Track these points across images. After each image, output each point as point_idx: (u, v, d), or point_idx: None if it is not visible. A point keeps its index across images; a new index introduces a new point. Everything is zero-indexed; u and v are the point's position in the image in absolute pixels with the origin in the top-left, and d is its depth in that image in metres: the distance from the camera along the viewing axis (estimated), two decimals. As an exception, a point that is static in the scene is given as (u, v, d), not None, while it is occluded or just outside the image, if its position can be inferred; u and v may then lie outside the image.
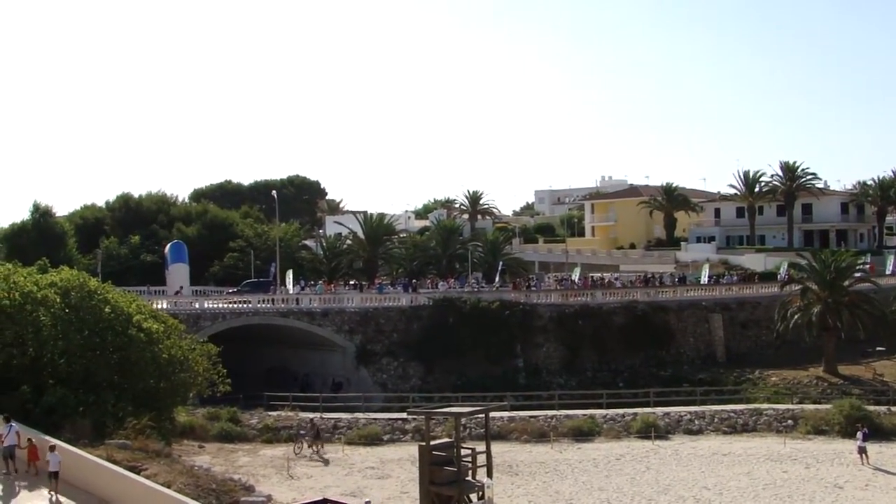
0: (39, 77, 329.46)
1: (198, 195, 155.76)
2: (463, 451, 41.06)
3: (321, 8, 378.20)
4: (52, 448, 29.37)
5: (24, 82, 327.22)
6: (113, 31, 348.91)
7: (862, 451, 51.89)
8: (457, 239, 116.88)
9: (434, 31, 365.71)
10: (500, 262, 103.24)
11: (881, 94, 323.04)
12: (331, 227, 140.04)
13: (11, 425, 31.07)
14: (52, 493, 28.27)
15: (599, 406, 63.53)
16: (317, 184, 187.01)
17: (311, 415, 59.63)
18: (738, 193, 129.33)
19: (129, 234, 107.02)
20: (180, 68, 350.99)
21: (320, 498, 38.19)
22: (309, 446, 53.59)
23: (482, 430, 45.83)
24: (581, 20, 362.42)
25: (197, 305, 75.77)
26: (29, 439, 30.98)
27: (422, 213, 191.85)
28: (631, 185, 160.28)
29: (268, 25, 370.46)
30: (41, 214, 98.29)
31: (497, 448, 46.80)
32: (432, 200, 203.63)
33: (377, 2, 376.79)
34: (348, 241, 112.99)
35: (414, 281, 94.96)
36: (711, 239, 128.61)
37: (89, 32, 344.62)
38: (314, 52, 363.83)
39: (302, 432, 55.05)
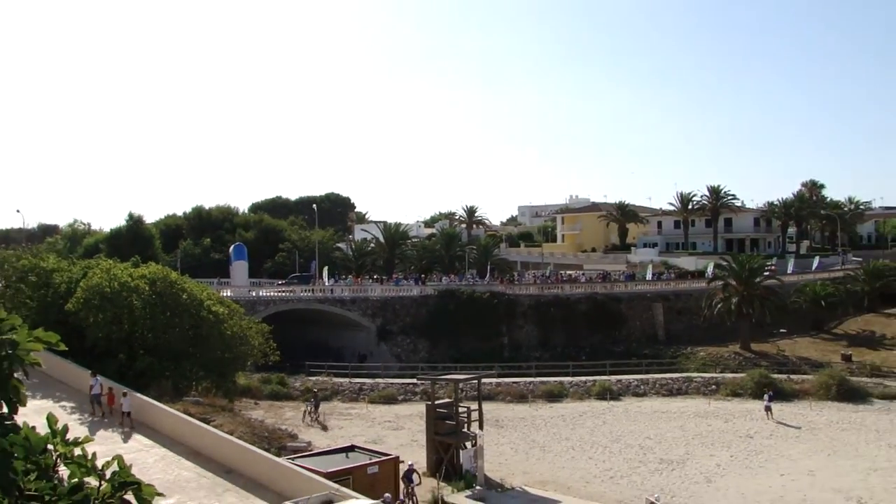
0: (131, 111, 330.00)
1: (255, 207, 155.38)
2: (460, 409, 41.33)
3: (346, 62, 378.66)
4: (125, 394, 30.67)
5: (120, 115, 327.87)
6: (191, 71, 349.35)
7: (768, 409, 52.26)
8: (456, 243, 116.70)
9: (439, 76, 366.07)
10: (490, 262, 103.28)
11: (789, 131, 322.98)
12: (358, 234, 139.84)
13: (97, 378, 31.66)
14: (126, 427, 29.53)
15: (567, 374, 63.58)
16: (348, 199, 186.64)
17: (321, 380, 60.22)
18: (676, 209, 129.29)
19: (202, 237, 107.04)
20: (245, 106, 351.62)
21: (349, 444, 38.40)
22: (310, 414, 51.71)
23: (475, 393, 45.86)
24: (550, 68, 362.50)
25: (253, 294, 76.02)
26: (109, 388, 31.77)
27: (429, 223, 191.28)
28: (593, 202, 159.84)
29: (311, 71, 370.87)
30: (134, 222, 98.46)
31: (487, 406, 46.86)
32: (438, 213, 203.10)
33: (388, 51, 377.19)
34: (372, 245, 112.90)
35: (423, 276, 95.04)
36: (655, 245, 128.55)
37: (173, 70, 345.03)
38: (350, 97, 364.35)
39: (308, 402, 53.09)
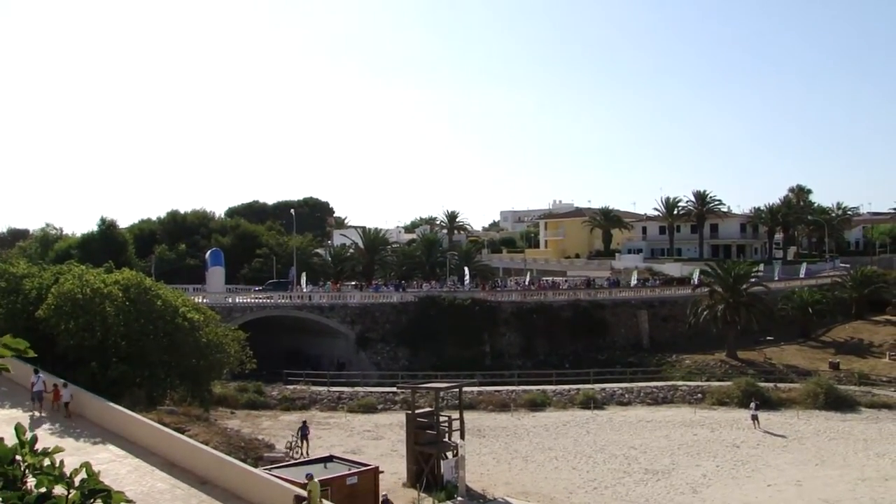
0: (103, 114, 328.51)
1: (231, 212, 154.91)
2: (441, 418, 41.30)
3: (325, 65, 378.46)
4: (65, 385, 32.16)
5: (92, 119, 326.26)
6: (166, 73, 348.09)
7: (754, 418, 52.50)
8: (437, 249, 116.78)
9: (419, 80, 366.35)
10: (472, 268, 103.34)
11: (776, 136, 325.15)
12: (337, 239, 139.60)
13: (39, 375, 32.28)
14: (65, 417, 31.34)
15: (550, 383, 63.66)
16: (326, 204, 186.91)
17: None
18: (661, 215, 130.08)
19: (177, 242, 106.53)
20: (218, 110, 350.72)
21: (328, 454, 38.26)
22: (295, 447, 44.98)
23: (457, 402, 45.86)
24: (537, 72, 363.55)
25: (230, 300, 75.63)
26: (54, 385, 32.57)
27: (410, 228, 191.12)
28: (576, 207, 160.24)
29: (289, 73, 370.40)
30: (107, 226, 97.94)
31: (468, 416, 46.93)
32: (418, 218, 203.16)
33: (373, 67, 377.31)
34: (351, 251, 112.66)
35: (403, 282, 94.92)
36: (639, 251, 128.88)
37: (148, 71, 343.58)
38: (327, 101, 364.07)
39: (292, 436, 46.36)
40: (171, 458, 26.41)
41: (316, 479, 21.75)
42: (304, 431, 45.83)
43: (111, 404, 31.13)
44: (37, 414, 31.81)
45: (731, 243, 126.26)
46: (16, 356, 5.53)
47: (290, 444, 45.42)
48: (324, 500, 21.28)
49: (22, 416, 30.79)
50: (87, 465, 5.14)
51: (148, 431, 28.63)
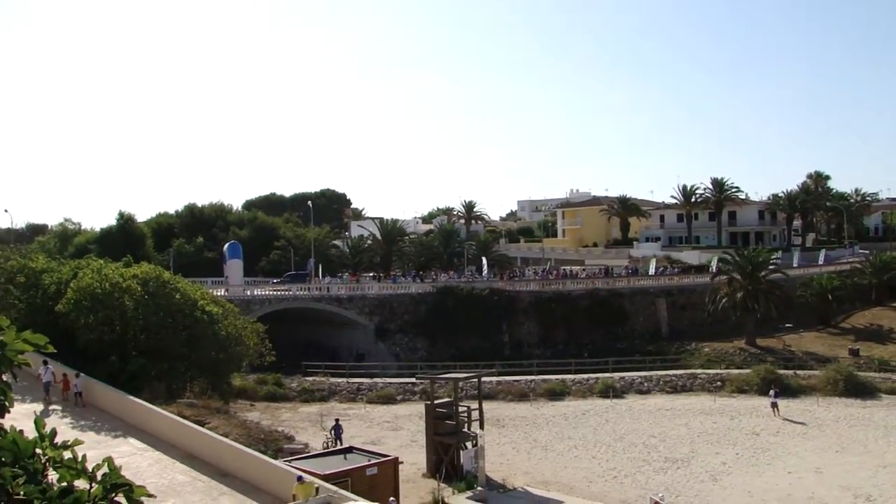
0: (121, 110, 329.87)
1: (249, 204, 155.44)
2: (460, 408, 41.32)
3: (342, 57, 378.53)
4: (77, 375, 32.72)
5: (110, 114, 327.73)
6: (183, 68, 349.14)
7: (774, 405, 52.30)
8: (455, 239, 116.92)
9: (436, 70, 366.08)
10: (490, 258, 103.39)
11: (793, 122, 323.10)
12: (355, 230, 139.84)
13: (48, 367, 32.80)
14: (78, 407, 31.93)
15: (569, 372, 63.49)
16: (344, 195, 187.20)
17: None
18: (679, 203, 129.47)
19: (195, 236, 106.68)
20: (235, 103, 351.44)
21: (347, 446, 38.38)
22: (335, 447, 41.16)
23: (475, 392, 45.87)
24: (557, 60, 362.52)
25: (248, 293, 75.83)
26: (63, 374, 33.14)
27: (427, 219, 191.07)
28: (594, 196, 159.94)
29: (305, 66, 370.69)
30: (125, 220, 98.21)
31: (487, 405, 46.86)
32: (436, 208, 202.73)
33: (391, 65, 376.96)
34: (369, 242, 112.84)
35: (421, 273, 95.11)
36: (657, 239, 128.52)
37: (165, 67, 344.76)
38: (345, 92, 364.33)
39: (327, 436, 45.21)
40: (191, 451, 26.56)
41: (306, 482, 21.55)
42: (337, 431, 44.45)
43: (131, 397, 31.31)
44: (47, 405, 32.21)
45: (750, 230, 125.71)
46: (36, 350, 5.58)
47: (326, 444, 43.42)
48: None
49: (37, 410, 30.97)
50: (109, 460, 5.19)
51: (168, 424, 28.79)
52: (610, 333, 77.75)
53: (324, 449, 42.15)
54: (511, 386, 59.45)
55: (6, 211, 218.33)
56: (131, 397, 31.33)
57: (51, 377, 32.89)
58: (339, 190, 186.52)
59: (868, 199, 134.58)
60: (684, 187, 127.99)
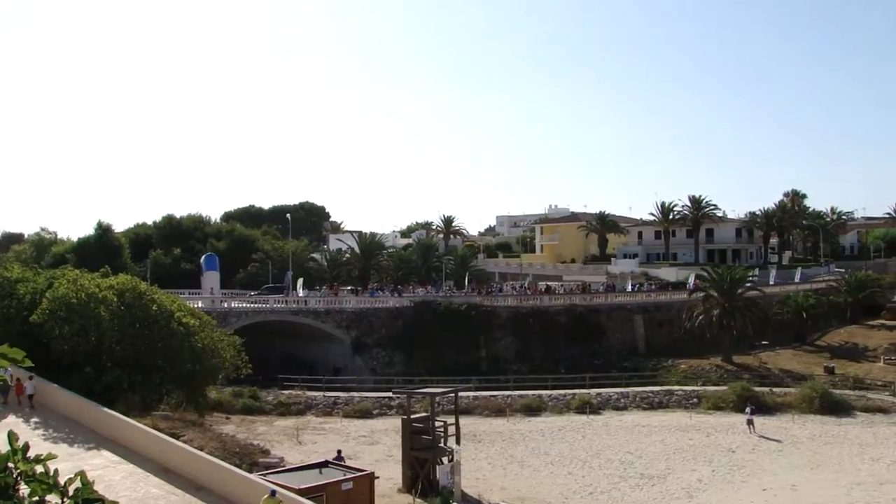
0: (99, 118, 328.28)
1: (227, 216, 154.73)
2: (437, 423, 41.26)
3: (321, 68, 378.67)
4: (30, 377, 32.81)
5: (88, 122, 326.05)
6: (161, 77, 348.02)
7: (750, 422, 52.58)
8: (433, 254, 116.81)
9: (415, 83, 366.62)
10: (468, 273, 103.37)
11: (770, 140, 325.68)
12: (333, 244, 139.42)
13: (7, 370, 32.09)
14: (27, 408, 32.33)
15: (546, 387, 63.56)
16: (322, 208, 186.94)
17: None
18: (656, 219, 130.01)
19: (172, 247, 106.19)
20: (214, 114, 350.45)
21: (323, 460, 38.21)
22: None
23: (452, 407, 45.84)
24: (537, 76, 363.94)
25: (225, 305, 75.49)
26: (17, 378, 33.33)
27: (406, 233, 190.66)
28: (572, 212, 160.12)
29: (284, 77, 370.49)
30: (103, 231, 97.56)
31: (464, 421, 46.79)
32: (414, 222, 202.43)
33: (376, 75, 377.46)
34: (347, 255, 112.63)
35: (399, 287, 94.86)
36: (635, 255, 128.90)
37: (143, 75, 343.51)
38: (324, 105, 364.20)
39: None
40: (165, 464, 26.36)
41: (278, 497, 21.53)
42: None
43: (105, 409, 31.04)
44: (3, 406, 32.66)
45: (727, 248, 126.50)
46: (13, 365, 5.51)
47: None
48: None
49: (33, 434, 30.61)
50: (81, 474, 5.13)
51: (142, 437, 28.58)
52: (587, 349, 77.87)
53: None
54: (488, 401, 59.40)
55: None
56: (105, 409, 31.06)
57: (9, 378, 32.98)
58: (318, 203, 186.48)
59: (844, 217, 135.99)
60: (663, 204, 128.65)
